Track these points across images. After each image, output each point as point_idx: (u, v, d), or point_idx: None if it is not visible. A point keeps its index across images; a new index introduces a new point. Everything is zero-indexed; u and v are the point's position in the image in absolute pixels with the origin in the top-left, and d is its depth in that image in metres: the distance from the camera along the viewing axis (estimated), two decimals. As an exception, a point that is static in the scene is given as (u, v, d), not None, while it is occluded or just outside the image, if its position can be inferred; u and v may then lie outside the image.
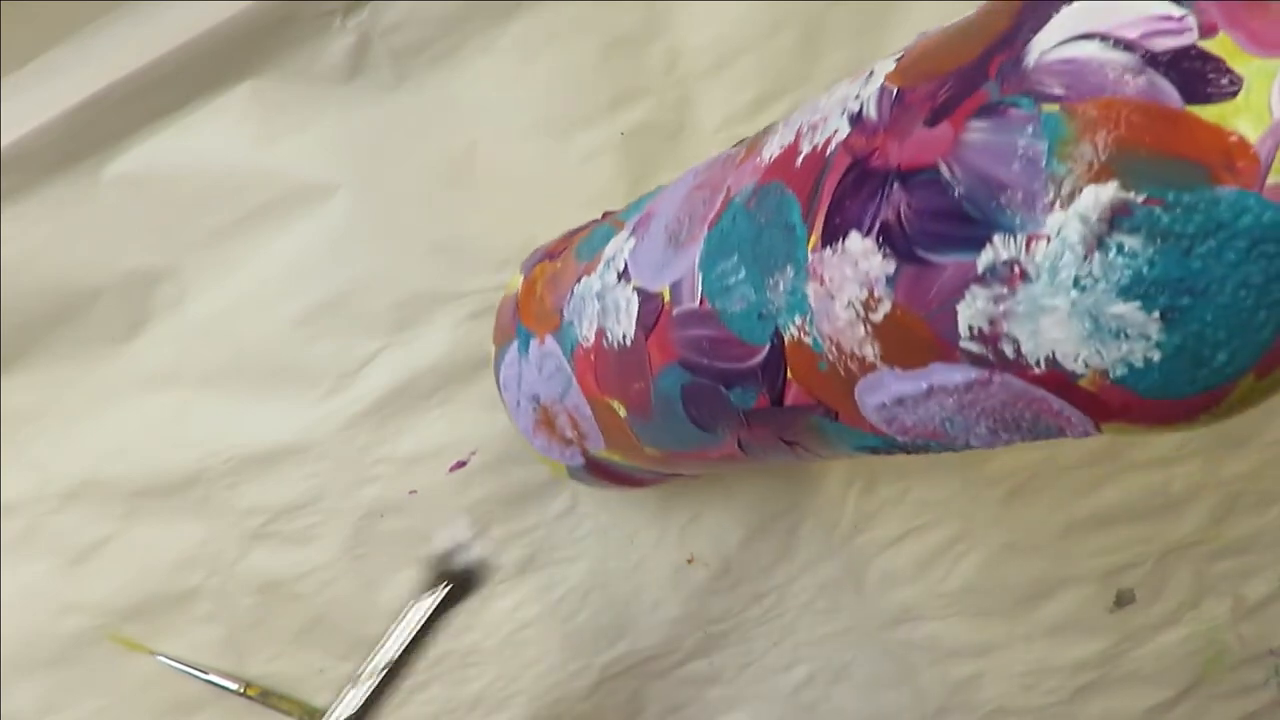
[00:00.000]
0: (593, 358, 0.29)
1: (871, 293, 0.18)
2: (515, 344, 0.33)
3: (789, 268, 0.20)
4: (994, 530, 0.41)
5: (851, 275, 0.18)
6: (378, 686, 0.30)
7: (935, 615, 0.42)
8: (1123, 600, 0.42)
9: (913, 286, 0.17)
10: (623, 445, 0.30)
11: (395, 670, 0.30)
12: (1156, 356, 0.15)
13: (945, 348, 0.17)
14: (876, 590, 0.42)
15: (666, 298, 0.25)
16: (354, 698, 0.29)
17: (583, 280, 0.30)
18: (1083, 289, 0.15)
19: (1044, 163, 0.15)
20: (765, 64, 0.37)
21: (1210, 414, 0.15)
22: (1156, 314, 0.14)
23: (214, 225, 0.37)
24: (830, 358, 0.20)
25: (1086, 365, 0.15)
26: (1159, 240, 0.14)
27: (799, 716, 0.43)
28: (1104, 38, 0.15)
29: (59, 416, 0.38)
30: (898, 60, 0.19)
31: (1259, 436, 0.41)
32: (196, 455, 0.39)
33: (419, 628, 0.30)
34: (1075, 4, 0.15)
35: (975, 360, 0.17)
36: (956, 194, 0.16)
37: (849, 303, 0.18)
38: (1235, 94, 0.14)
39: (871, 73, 0.19)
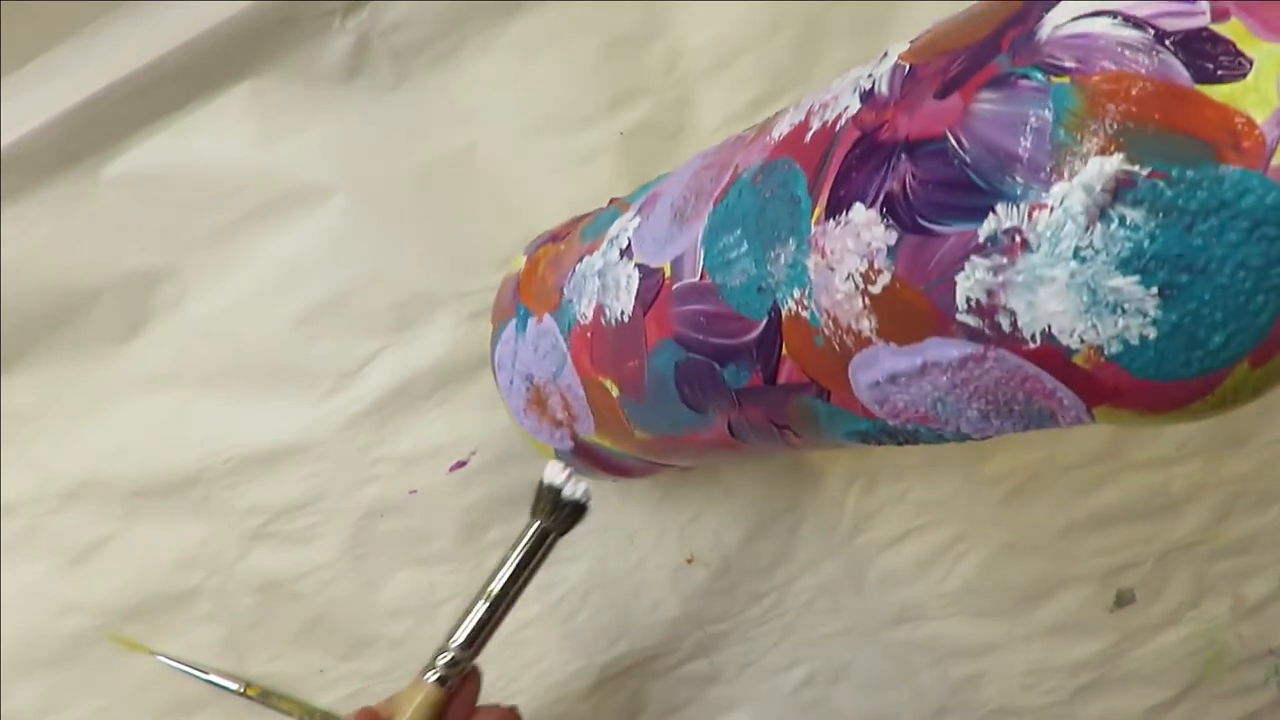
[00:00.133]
0: (589, 335, 0.29)
1: (872, 264, 0.18)
2: (513, 322, 0.33)
3: (791, 240, 0.20)
4: (994, 530, 0.41)
5: (853, 247, 0.18)
6: (491, 605, 0.30)
7: (935, 615, 0.42)
8: (1123, 600, 0.42)
9: (913, 257, 0.17)
10: (613, 428, 0.30)
11: (509, 593, 0.31)
12: (1152, 334, 0.15)
13: (942, 320, 0.17)
14: (876, 590, 0.41)
15: (667, 273, 0.25)
16: (475, 614, 0.30)
17: (585, 259, 0.30)
18: (1082, 260, 0.15)
19: (1051, 133, 0.15)
20: (765, 64, 0.37)
21: (1203, 402, 0.15)
22: (1155, 289, 0.14)
23: (214, 225, 0.37)
24: (826, 332, 0.20)
25: (1082, 340, 0.15)
26: (1161, 214, 0.14)
27: (799, 716, 0.43)
28: (1116, 15, 0.15)
29: (59, 416, 0.39)
30: (912, 42, 0.19)
31: (1259, 436, 0.41)
32: (196, 455, 0.39)
33: (540, 553, 0.31)
34: None
35: (971, 334, 0.17)
36: (962, 163, 0.16)
37: (849, 275, 0.18)
38: (1244, 76, 0.14)
39: (885, 54, 0.20)
